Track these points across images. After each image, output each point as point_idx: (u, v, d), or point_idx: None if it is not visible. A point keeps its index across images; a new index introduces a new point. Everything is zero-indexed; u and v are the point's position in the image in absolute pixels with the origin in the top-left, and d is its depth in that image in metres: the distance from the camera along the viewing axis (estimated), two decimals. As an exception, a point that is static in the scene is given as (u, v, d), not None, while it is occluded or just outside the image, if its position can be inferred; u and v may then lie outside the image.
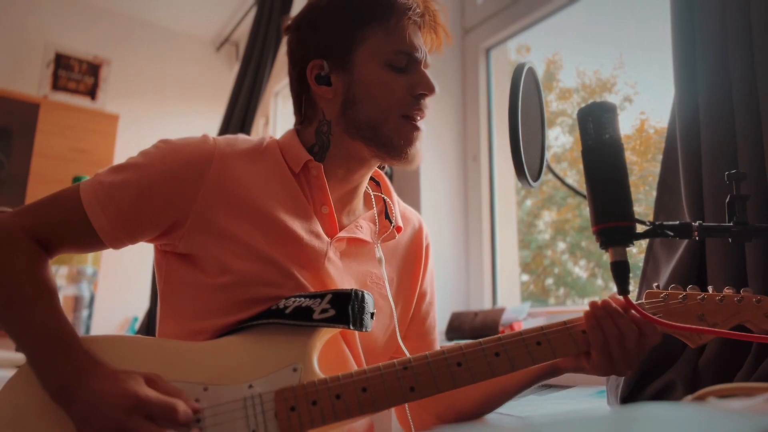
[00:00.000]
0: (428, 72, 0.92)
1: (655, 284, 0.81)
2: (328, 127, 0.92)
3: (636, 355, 0.74)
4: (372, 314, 0.80)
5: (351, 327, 0.76)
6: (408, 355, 0.94)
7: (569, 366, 0.81)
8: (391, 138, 0.88)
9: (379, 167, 1.02)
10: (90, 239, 0.84)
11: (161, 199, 0.83)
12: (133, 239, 0.86)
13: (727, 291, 0.75)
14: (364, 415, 0.74)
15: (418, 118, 0.90)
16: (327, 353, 0.83)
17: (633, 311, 0.73)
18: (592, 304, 0.75)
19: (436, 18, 0.95)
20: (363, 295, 0.78)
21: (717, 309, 0.74)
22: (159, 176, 0.84)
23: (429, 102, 0.92)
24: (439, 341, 1.58)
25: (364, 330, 0.78)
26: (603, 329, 0.73)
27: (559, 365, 0.82)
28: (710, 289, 0.77)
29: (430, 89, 0.90)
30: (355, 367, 0.86)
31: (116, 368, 0.73)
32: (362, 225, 0.95)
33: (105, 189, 0.83)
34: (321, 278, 0.87)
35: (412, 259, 1.02)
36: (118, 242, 0.85)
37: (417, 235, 1.05)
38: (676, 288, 0.77)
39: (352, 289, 0.78)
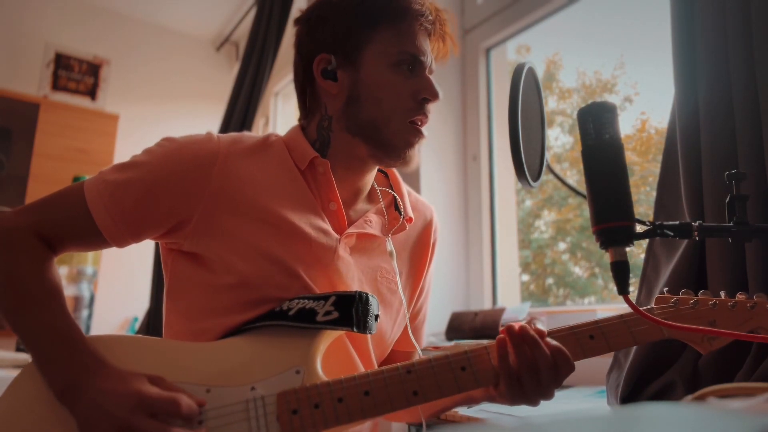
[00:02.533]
0: (432, 78, 0.92)
1: (665, 288, 0.80)
2: (329, 123, 0.92)
3: (550, 385, 0.72)
4: (376, 316, 0.79)
5: (355, 329, 0.76)
6: (419, 348, 0.94)
7: (480, 396, 0.81)
8: (391, 139, 0.89)
9: (379, 170, 1.02)
10: (94, 237, 0.84)
11: (165, 198, 0.83)
12: (137, 238, 0.86)
13: (740, 296, 0.74)
14: (366, 419, 0.73)
15: (421, 123, 0.90)
16: (333, 356, 0.83)
17: (547, 340, 0.73)
18: (509, 329, 0.73)
19: (445, 27, 0.95)
20: (367, 297, 0.78)
21: (729, 315, 0.73)
22: (163, 176, 0.84)
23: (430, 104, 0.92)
24: (439, 341, 1.58)
25: (368, 332, 0.78)
26: (517, 358, 0.72)
27: (472, 394, 0.81)
28: (722, 294, 0.75)
29: (434, 95, 0.90)
30: (362, 369, 0.86)
31: (121, 368, 0.73)
32: (371, 219, 0.95)
33: (109, 188, 0.83)
34: (330, 276, 0.86)
35: (420, 253, 1.02)
36: (122, 241, 0.85)
37: (427, 229, 1.04)
38: (687, 293, 0.76)
39: (356, 291, 0.78)
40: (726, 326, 0.73)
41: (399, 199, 1.00)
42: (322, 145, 0.93)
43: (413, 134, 0.90)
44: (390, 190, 1.02)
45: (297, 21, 0.97)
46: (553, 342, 0.73)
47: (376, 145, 0.89)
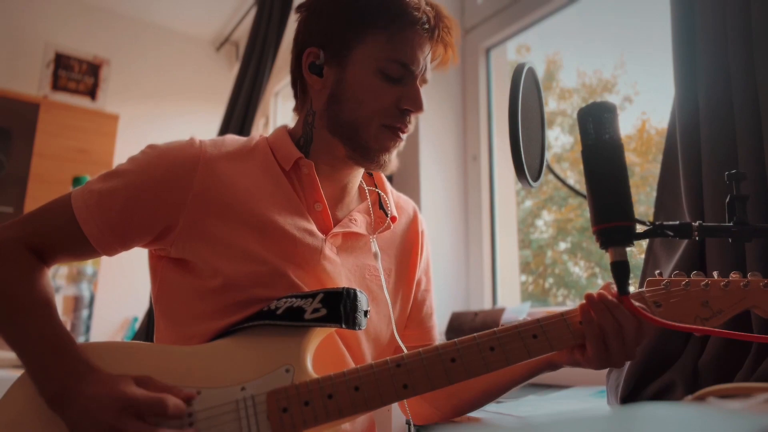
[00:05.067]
0: (424, 89, 0.90)
1: (657, 271, 0.79)
2: (313, 118, 0.93)
3: (634, 346, 0.72)
4: (366, 312, 0.79)
5: (343, 326, 0.76)
6: (404, 347, 0.94)
7: (564, 360, 0.79)
8: (368, 142, 0.88)
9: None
10: (83, 247, 0.85)
11: (149, 206, 0.84)
12: (125, 246, 0.87)
13: (734, 276, 0.73)
14: (357, 415, 0.74)
15: (400, 130, 0.89)
16: (324, 355, 0.83)
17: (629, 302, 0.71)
18: (588, 297, 0.74)
19: (448, 36, 0.91)
20: (355, 294, 0.78)
21: (722, 295, 0.72)
22: (145, 183, 0.84)
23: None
24: (439, 340, 1.58)
25: (357, 329, 0.78)
26: (601, 322, 0.72)
27: (555, 359, 0.81)
28: (715, 274, 0.74)
29: (417, 107, 0.88)
30: (353, 366, 0.86)
31: (109, 373, 0.73)
32: (356, 218, 0.95)
33: (95, 197, 0.84)
34: (317, 276, 0.86)
35: (408, 248, 1.02)
36: (110, 250, 0.86)
37: (412, 224, 1.04)
38: (679, 274, 0.75)
39: (343, 288, 0.78)
40: (719, 306, 0.72)
41: (383, 198, 1.00)
42: (306, 141, 0.93)
43: (390, 138, 0.89)
44: (375, 188, 1.02)
45: (299, 7, 0.95)
46: (636, 303, 0.73)
47: (353, 147, 0.89)
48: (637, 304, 0.71)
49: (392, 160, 0.91)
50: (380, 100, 0.87)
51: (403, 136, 0.91)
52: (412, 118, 0.90)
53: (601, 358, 0.73)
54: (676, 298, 0.74)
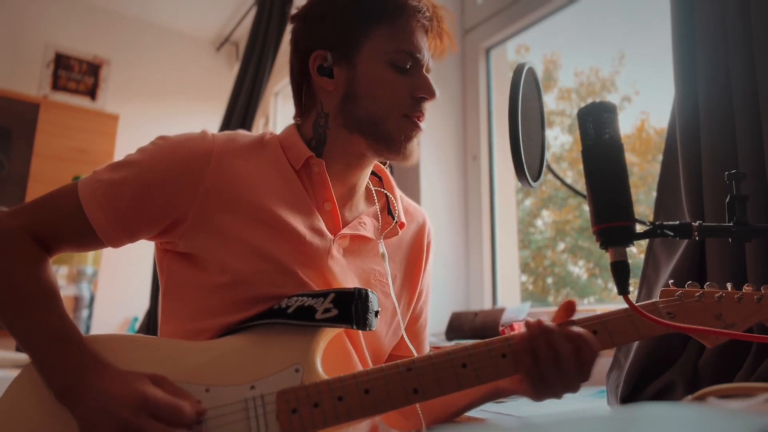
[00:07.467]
0: (430, 76, 0.92)
1: (671, 281, 0.79)
2: (326, 120, 0.92)
3: (572, 375, 0.71)
4: (376, 313, 0.79)
5: (354, 326, 0.76)
6: (414, 351, 0.93)
7: (509, 388, 0.81)
8: (390, 133, 0.88)
9: (380, 162, 1.02)
10: (89, 238, 0.83)
11: (159, 198, 0.83)
12: (132, 238, 0.85)
13: (747, 289, 0.73)
14: (366, 418, 0.73)
15: (418, 119, 0.90)
16: (332, 353, 0.83)
17: (568, 327, 0.71)
18: (526, 324, 0.72)
19: (442, 24, 0.94)
20: (367, 294, 0.77)
21: (735, 308, 0.72)
22: (156, 175, 0.83)
23: (428, 102, 0.92)
24: (439, 342, 1.58)
25: (368, 329, 0.77)
26: (534, 351, 0.71)
27: (501, 388, 0.82)
28: (729, 286, 0.75)
29: (430, 93, 0.90)
30: (360, 367, 0.86)
31: (122, 369, 0.73)
32: (365, 221, 0.94)
33: (103, 187, 0.83)
34: (324, 276, 0.86)
35: (414, 257, 1.02)
36: (117, 241, 0.85)
37: (420, 232, 1.04)
38: (692, 285, 0.75)
39: (355, 288, 0.77)
40: (732, 319, 0.72)
41: (392, 201, 0.99)
42: (318, 143, 0.93)
43: (411, 128, 0.89)
44: (383, 190, 1.01)
45: (293, 18, 0.96)
46: (576, 328, 0.72)
47: (376, 140, 0.89)
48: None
49: (416, 149, 0.91)
50: (395, 93, 0.88)
51: (422, 126, 0.91)
52: (427, 106, 0.91)
53: (537, 388, 0.72)
54: (689, 310, 0.74)
